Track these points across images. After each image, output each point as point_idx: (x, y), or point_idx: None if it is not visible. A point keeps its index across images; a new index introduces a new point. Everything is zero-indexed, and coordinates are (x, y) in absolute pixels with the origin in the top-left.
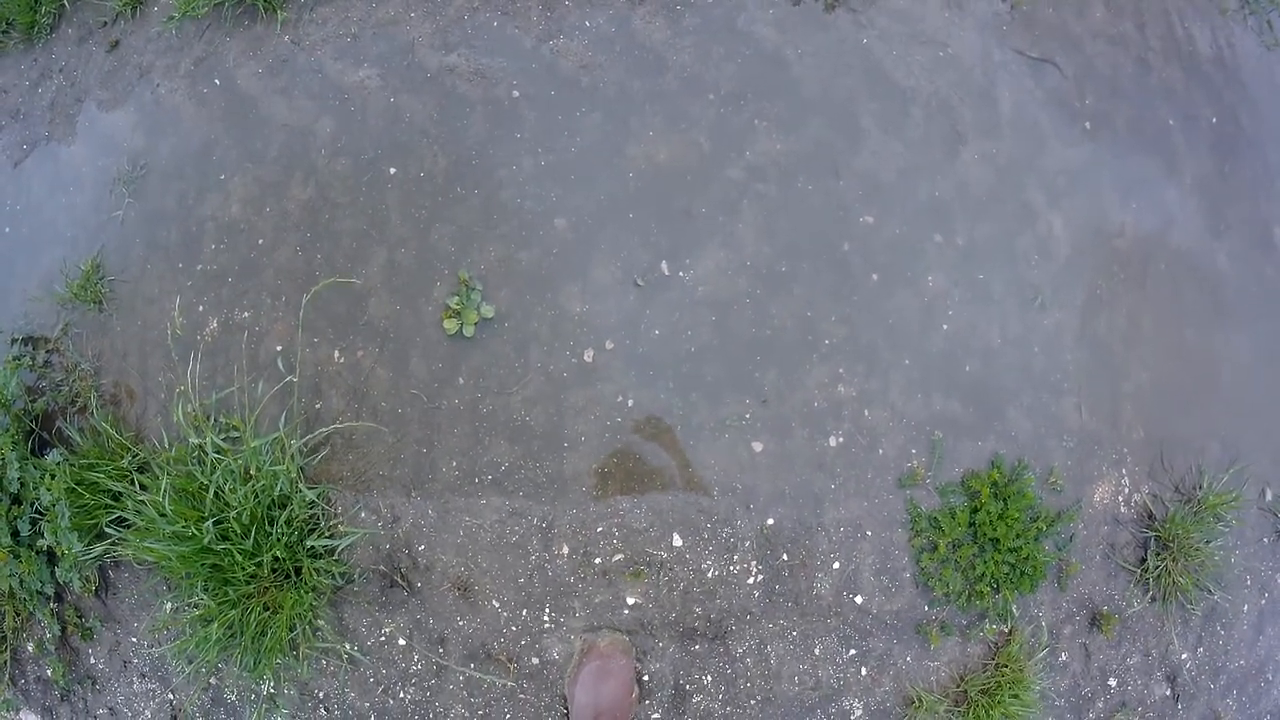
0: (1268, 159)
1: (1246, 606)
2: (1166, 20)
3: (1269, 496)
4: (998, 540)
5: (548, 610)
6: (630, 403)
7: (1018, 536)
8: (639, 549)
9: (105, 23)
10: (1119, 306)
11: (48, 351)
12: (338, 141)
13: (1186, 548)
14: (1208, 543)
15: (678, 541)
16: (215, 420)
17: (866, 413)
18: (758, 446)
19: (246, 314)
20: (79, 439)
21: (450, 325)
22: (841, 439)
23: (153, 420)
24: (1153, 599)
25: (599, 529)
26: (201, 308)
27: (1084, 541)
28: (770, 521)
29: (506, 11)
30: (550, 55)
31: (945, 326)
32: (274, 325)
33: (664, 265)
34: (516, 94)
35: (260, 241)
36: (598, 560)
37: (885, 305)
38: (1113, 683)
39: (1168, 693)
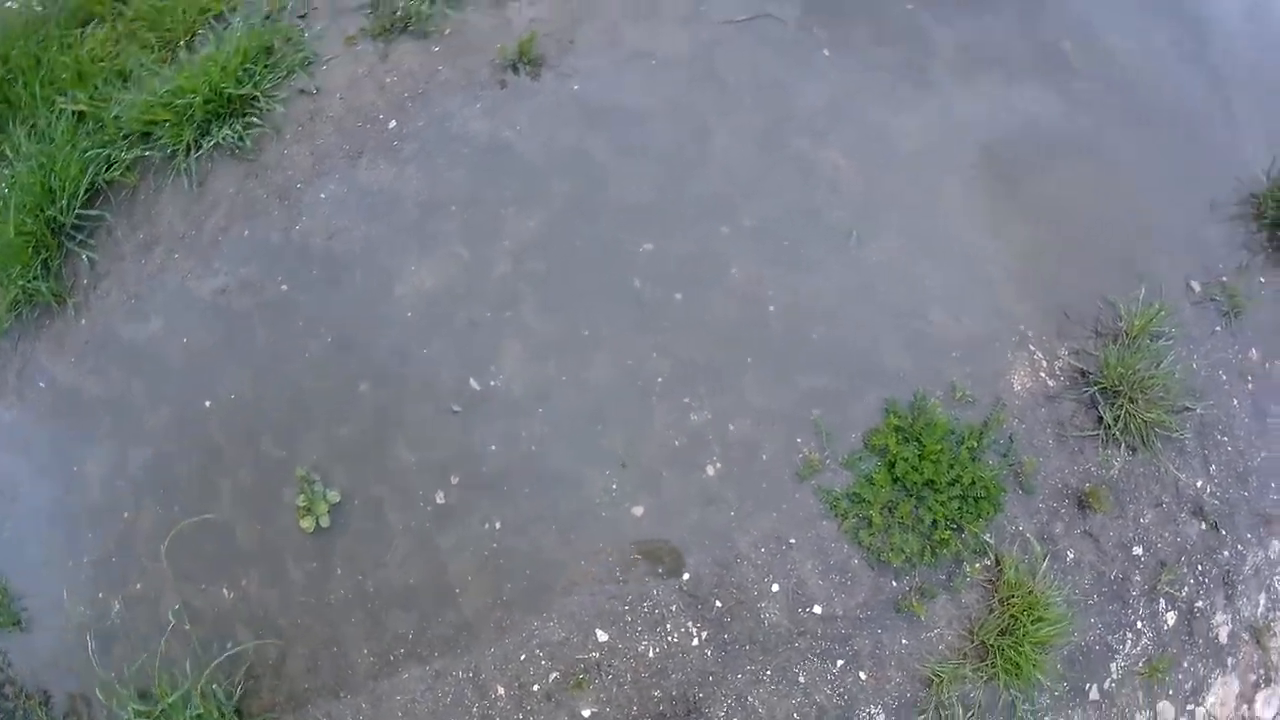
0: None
1: (1235, 401)
2: None
3: (1196, 287)
4: (932, 481)
5: None
6: (498, 524)
7: (951, 466)
8: (569, 659)
9: None
10: (943, 202)
11: None
12: (153, 396)
13: (1138, 383)
14: (1158, 366)
15: (603, 636)
16: (142, 693)
17: (731, 427)
18: (638, 510)
19: (138, 585)
20: None
21: (307, 523)
22: (718, 464)
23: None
24: (1132, 450)
25: (522, 657)
26: (101, 594)
27: (1028, 435)
28: (686, 576)
29: (250, 217)
30: (299, 240)
31: (771, 308)
32: (163, 586)
33: (472, 382)
34: (285, 288)
35: (125, 515)
36: (535, 687)
37: (700, 318)
38: (1138, 551)
39: (1202, 526)
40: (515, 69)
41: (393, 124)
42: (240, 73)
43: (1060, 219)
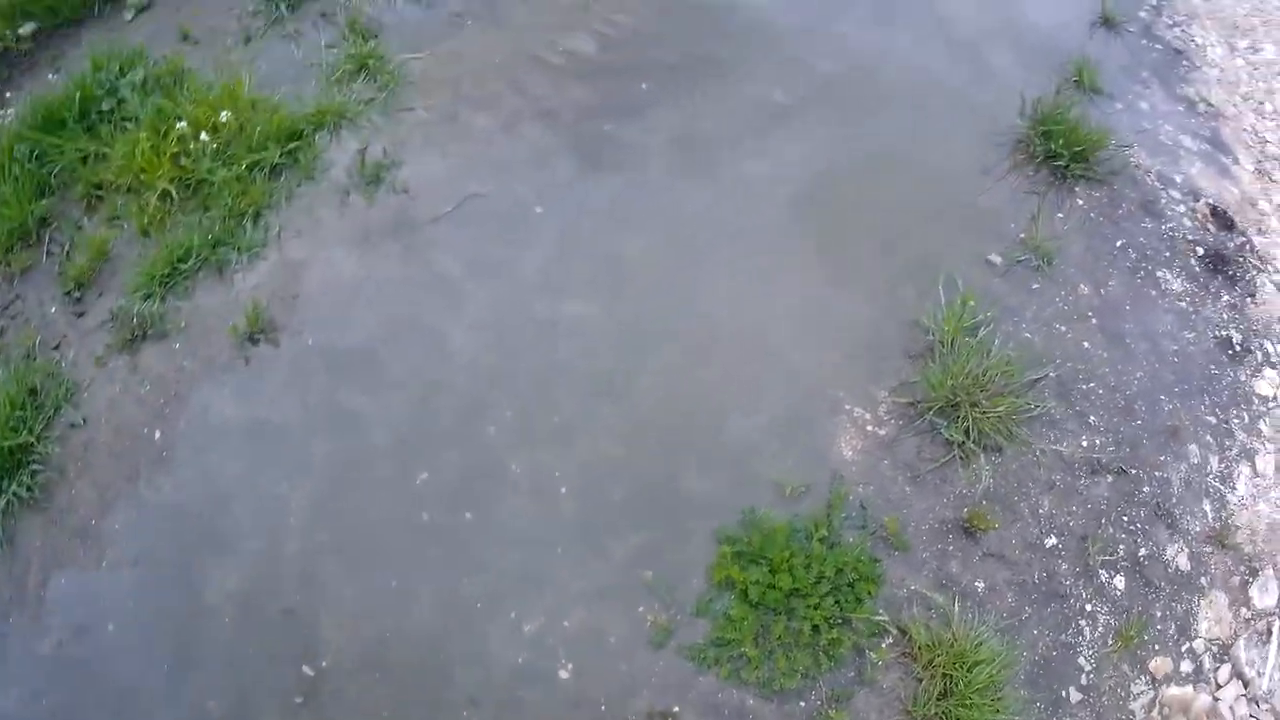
0: None
1: (1085, 343)
2: None
3: (997, 260)
4: (796, 589)
5: None
6: None
7: (809, 566)
8: None
9: None
10: (705, 300)
11: None
12: None
13: (974, 384)
14: (989, 356)
15: None
16: None
17: (567, 624)
18: None
19: None
20: None
21: None
22: (569, 665)
23: None
24: (997, 450)
25: None
26: None
27: (879, 494)
28: None
29: (60, 565)
30: (109, 575)
31: (563, 489)
32: None
33: (305, 669)
34: (111, 628)
35: None
36: None
37: (497, 527)
38: (1052, 541)
39: (1109, 479)
40: (254, 340)
41: (158, 435)
42: (13, 422)
43: (832, 267)
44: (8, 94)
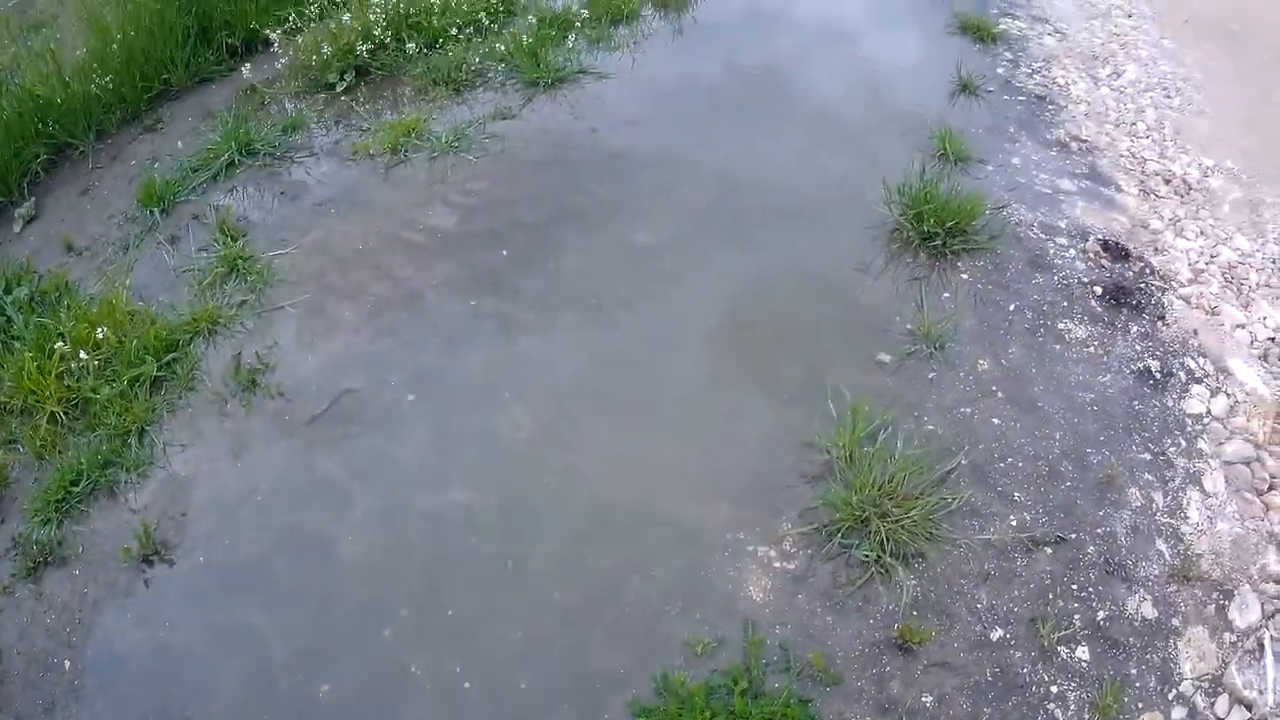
0: None
1: (995, 420)
2: None
3: (887, 359)
4: None
5: None
6: None
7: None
8: None
9: None
10: (589, 462)
11: None
12: None
13: (881, 493)
14: (892, 460)
15: None
16: None
17: None
18: None
19: None
20: None
21: None
22: None
23: None
24: (919, 555)
25: None
26: None
27: (800, 630)
28: None
29: None
30: None
31: (466, 684)
32: None
33: None
34: None
35: None
36: None
37: None
38: (999, 633)
39: (1048, 551)
40: (149, 562)
41: (68, 665)
42: None
43: (714, 408)
44: None
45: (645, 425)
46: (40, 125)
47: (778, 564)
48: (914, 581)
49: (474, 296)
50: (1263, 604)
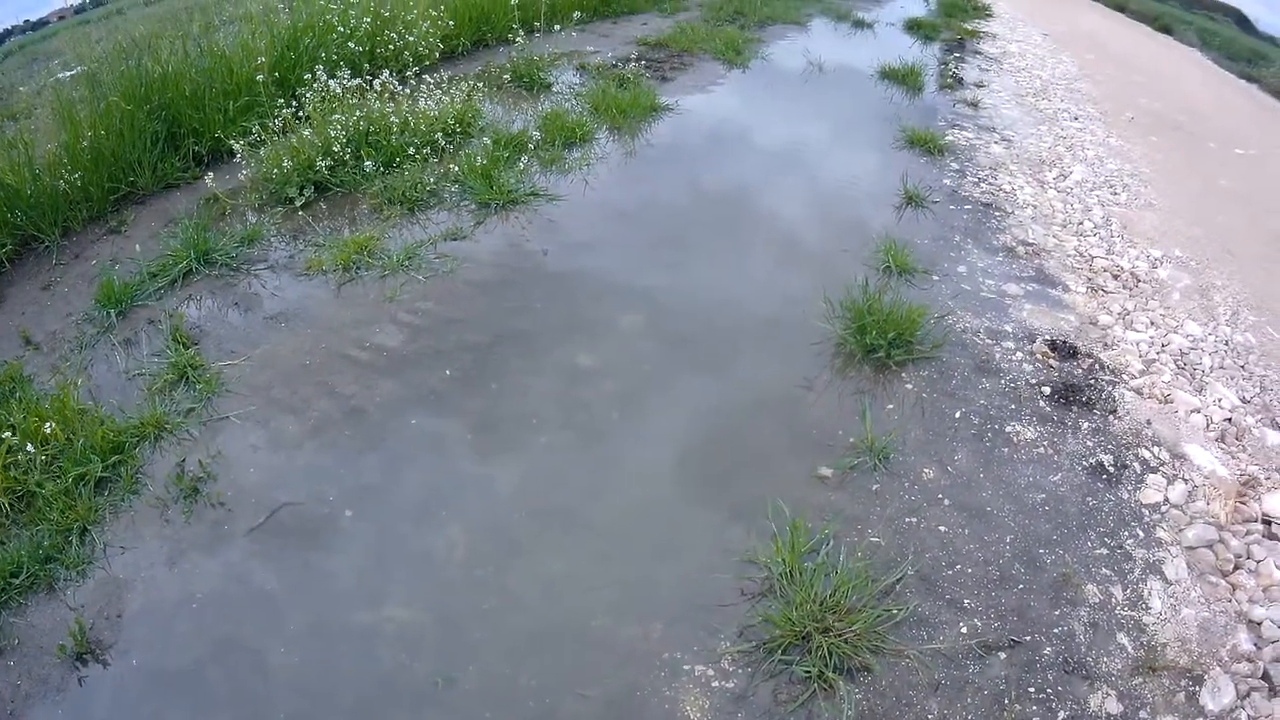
0: None
1: (942, 527)
2: None
3: (829, 473)
4: None
5: None
6: None
7: None
8: None
9: None
10: (518, 584)
11: None
12: None
13: (823, 608)
14: (835, 573)
15: None
16: None
17: None
18: None
19: None
20: None
21: None
22: None
23: None
24: (865, 669)
25: None
26: None
27: None
28: None
29: None
30: None
31: None
32: None
33: None
34: None
35: None
36: None
37: None
38: None
39: (1002, 655)
40: (82, 661)
41: None
42: None
43: (651, 529)
44: None
45: (582, 545)
46: (8, 214)
47: (716, 683)
48: (859, 695)
49: (415, 415)
50: (1236, 684)
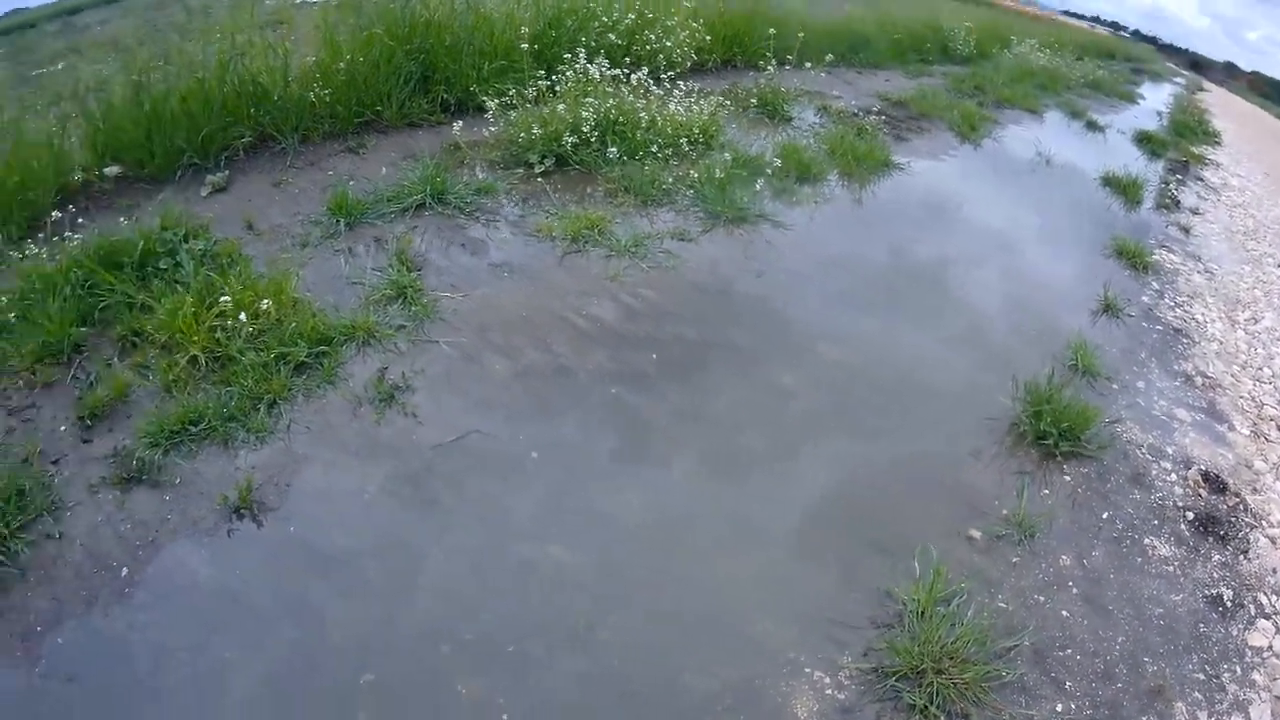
0: None
1: (1064, 612)
2: None
3: (977, 535)
4: None
5: None
6: None
7: None
8: None
9: None
10: (679, 566)
11: None
12: None
13: (942, 652)
14: (959, 625)
15: None
16: None
17: None
18: None
19: None
20: None
21: None
22: None
23: None
24: (964, 717)
25: None
26: None
27: None
28: None
29: None
30: (40, 682)
31: (504, 716)
32: None
33: None
34: None
35: None
36: None
37: None
38: None
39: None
40: (240, 515)
41: (125, 571)
42: None
43: (812, 541)
44: (80, 220)
45: (742, 541)
46: (252, 110)
47: (829, 691)
48: None
49: (617, 387)
50: None
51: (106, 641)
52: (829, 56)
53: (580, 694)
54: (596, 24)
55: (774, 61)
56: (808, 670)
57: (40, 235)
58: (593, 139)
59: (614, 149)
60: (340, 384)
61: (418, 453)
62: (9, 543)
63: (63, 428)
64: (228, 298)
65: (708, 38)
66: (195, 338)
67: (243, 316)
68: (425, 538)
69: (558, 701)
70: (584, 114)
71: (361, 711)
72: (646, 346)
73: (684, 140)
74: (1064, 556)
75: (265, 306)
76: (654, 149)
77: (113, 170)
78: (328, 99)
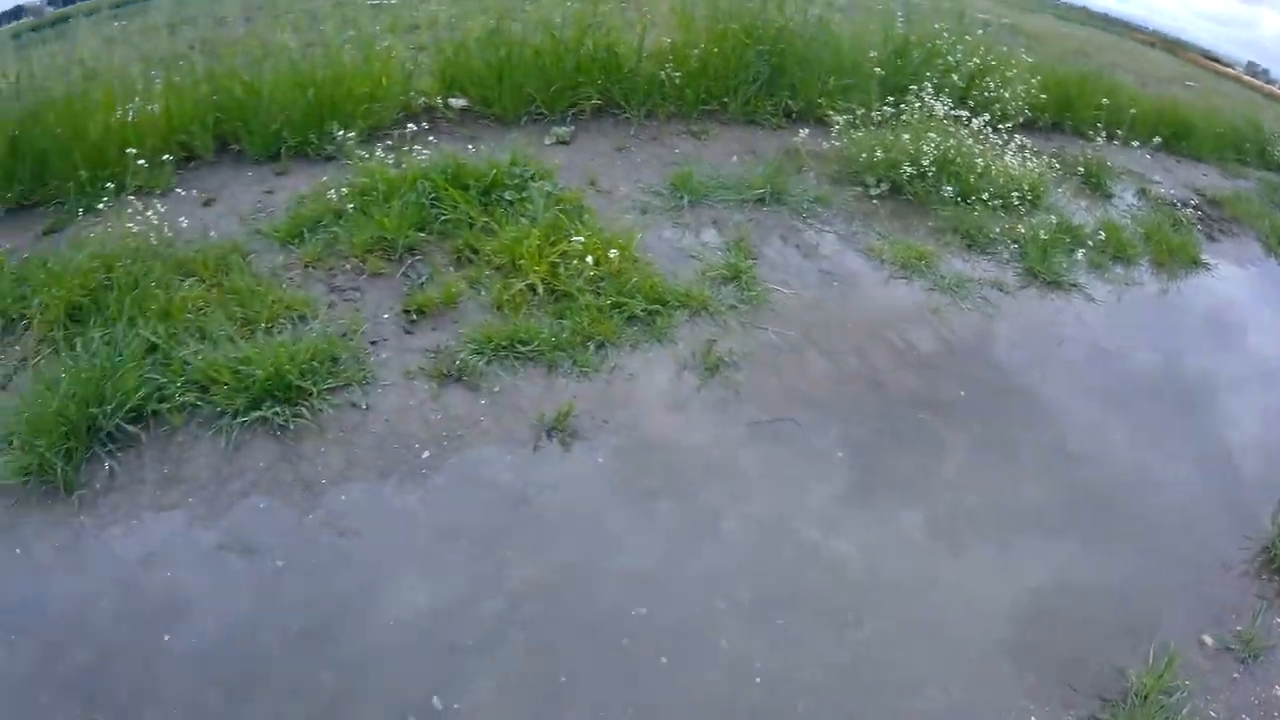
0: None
1: None
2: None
3: (1209, 641)
4: None
5: None
6: None
7: None
8: None
9: None
10: (942, 587)
11: None
12: (115, 616)
13: None
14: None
15: None
16: None
17: None
18: None
19: None
20: None
21: None
22: None
23: None
24: None
25: None
26: None
27: None
28: None
29: (272, 494)
30: (311, 528)
31: (757, 679)
32: None
33: (435, 701)
34: (280, 564)
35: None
36: None
37: (683, 682)
38: None
39: None
40: (550, 435)
41: (426, 454)
42: (305, 367)
43: (1063, 593)
44: (431, 137)
45: (1002, 583)
46: (600, 77)
47: None
48: None
49: (925, 412)
50: None
51: (392, 511)
52: (1156, 139)
53: (826, 676)
54: (940, 61)
55: (1104, 135)
56: (1033, 718)
57: (386, 144)
58: (929, 174)
59: (949, 188)
60: (668, 345)
61: (734, 424)
62: (314, 400)
63: (385, 316)
64: (580, 239)
65: (1043, 96)
66: (537, 267)
67: (590, 259)
68: (723, 500)
69: (807, 678)
70: (925, 147)
71: (626, 637)
72: (955, 381)
73: (1014, 194)
74: (1278, 688)
75: (613, 255)
76: (985, 196)
77: (458, 102)
78: (677, 80)
